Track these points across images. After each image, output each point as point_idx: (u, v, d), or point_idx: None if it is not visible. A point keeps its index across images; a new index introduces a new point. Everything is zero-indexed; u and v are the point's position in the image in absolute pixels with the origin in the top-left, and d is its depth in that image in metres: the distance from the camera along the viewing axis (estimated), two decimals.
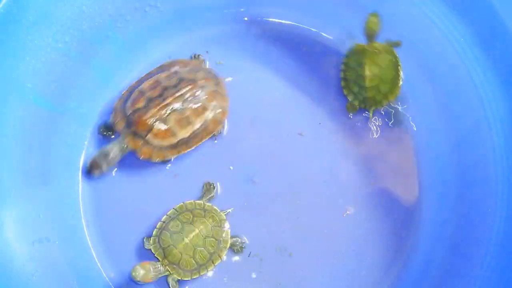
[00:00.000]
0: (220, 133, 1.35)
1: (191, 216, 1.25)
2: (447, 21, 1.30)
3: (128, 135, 1.28)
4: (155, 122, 1.25)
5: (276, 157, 1.35)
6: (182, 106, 1.27)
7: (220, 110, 1.31)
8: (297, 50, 1.42)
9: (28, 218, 1.25)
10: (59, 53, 1.28)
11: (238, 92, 1.37)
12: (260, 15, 1.43)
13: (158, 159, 1.29)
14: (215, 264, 1.24)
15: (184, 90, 1.27)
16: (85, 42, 1.31)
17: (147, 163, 1.33)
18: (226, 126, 1.36)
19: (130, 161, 1.34)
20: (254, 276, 1.29)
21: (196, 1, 1.39)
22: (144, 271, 1.18)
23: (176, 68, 1.34)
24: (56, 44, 1.27)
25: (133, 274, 1.17)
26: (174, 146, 1.29)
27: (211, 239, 1.24)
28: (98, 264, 1.30)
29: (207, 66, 1.39)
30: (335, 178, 1.35)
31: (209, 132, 1.31)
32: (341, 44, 1.40)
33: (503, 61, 1.25)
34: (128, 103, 1.29)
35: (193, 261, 1.22)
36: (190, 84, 1.28)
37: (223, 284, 1.28)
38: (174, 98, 1.26)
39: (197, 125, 1.29)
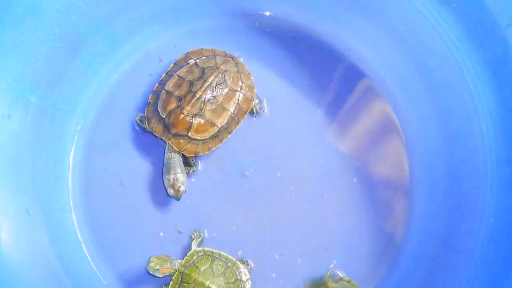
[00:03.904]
0: (262, 109, 1.36)
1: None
2: (438, 15, 1.30)
3: (170, 138, 1.27)
4: (192, 118, 1.25)
5: (268, 151, 1.35)
6: (213, 94, 1.27)
7: (247, 88, 1.32)
8: (290, 43, 1.41)
9: (18, 214, 1.25)
10: (48, 46, 1.27)
11: None
12: (252, 8, 1.42)
13: (204, 152, 1.29)
14: None
15: (210, 80, 1.27)
16: (74, 35, 1.30)
17: (142, 161, 1.34)
18: (265, 103, 1.37)
19: (123, 159, 1.34)
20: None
21: None
22: (160, 261, 1.21)
23: (192, 60, 1.33)
24: (45, 37, 1.26)
25: (151, 265, 1.21)
26: (216, 136, 1.29)
27: None
28: (89, 259, 1.30)
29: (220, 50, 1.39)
30: (325, 171, 1.35)
31: (244, 112, 1.31)
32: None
33: (492, 54, 1.25)
34: (160, 107, 1.28)
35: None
36: (213, 72, 1.28)
37: None
38: (203, 90, 1.26)
39: (232, 108, 1.29)
